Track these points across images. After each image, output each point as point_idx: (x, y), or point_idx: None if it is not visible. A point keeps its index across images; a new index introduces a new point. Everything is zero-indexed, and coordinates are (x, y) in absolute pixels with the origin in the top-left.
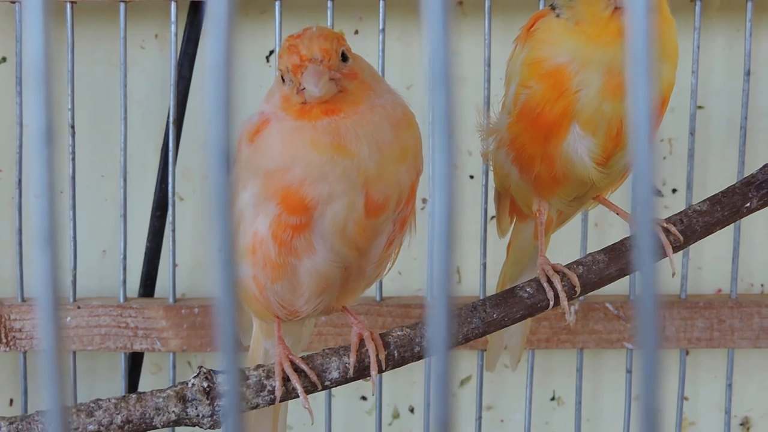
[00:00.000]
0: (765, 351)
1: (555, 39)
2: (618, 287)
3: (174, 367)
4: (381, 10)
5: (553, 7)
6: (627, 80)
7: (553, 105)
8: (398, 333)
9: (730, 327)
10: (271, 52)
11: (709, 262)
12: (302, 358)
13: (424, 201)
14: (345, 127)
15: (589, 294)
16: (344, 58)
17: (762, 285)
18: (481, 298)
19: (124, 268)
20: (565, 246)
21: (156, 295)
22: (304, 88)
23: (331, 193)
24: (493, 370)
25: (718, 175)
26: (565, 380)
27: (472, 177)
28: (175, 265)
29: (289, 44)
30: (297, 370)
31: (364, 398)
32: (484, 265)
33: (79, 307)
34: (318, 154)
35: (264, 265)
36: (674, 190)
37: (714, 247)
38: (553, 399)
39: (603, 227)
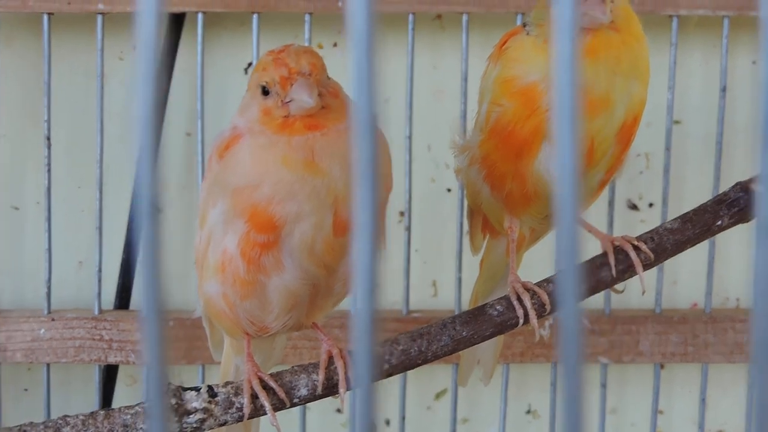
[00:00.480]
0: (739, 366)
1: (526, 57)
2: (592, 302)
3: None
4: None
5: (524, 25)
6: (553, 122)
7: (525, 123)
8: None
9: (704, 342)
10: (250, 65)
11: (685, 276)
12: (271, 375)
13: (402, 214)
14: (320, 144)
15: None
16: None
17: (737, 299)
18: (456, 312)
19: (99, 281)
20: (540, 262)
21: (132, 306)
22: (289, 101)
23: (299, 212)
24: (465, 385)
25: (695, 190)
26: (540, 394)
27: (449, 190)
28: None
29: (274, 58)
30: (266, 387)
31: (339, 411)
32: (460, 279)
33: (53, 320)
34: (288, 172)
35: (233, 282)
36: (651, 205)
37: (690, 261)
38: (528, 412)
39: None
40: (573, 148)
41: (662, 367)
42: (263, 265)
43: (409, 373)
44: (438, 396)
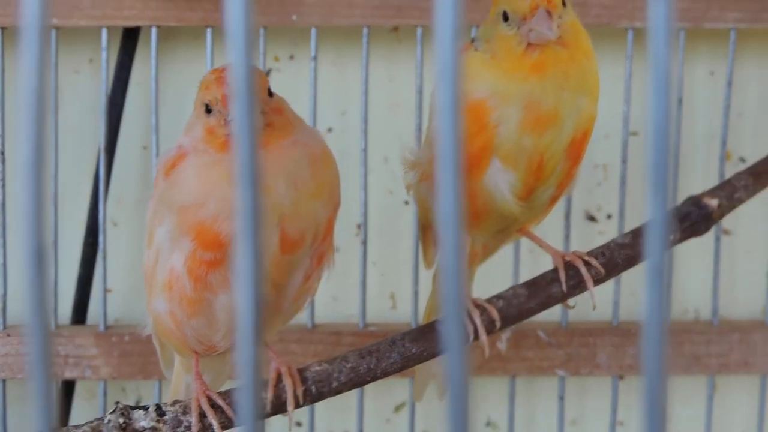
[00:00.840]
0: (697, 377)
1: (474, 73)
2: (550, 314)
3: (105, 395)
4: (313, 37)
5: (473, 41)
6: (436, 175)
7: (473, 139)
8: (316, 368)
9: None
10: None
11: (643, 287)
12: (220, 393)
13: (359, 227)
14: (264, 162)
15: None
16: (270, 93)
17: (696, 310)
18: (413, 325)
19: (55, 295)
20: (497, 273)
21: (89, 321)
22: (231, 120)
23: None
24: (420, 400)
25: None
26: (500, 406)
27: (406, 203)
28: (107, 291)
29: (216, 76)
30: (214, 405)
31: (299, 424)
32: (416, 293)
33: (9, 335)
34: (233, 190)
35: (180, 300)
36: (609, 216)
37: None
38: (488, 425)
39: (537, 254)
40: (456, 194)
41: (621, 378)
42: (210, 283)
43: (367, 386)
44: (397, 409)
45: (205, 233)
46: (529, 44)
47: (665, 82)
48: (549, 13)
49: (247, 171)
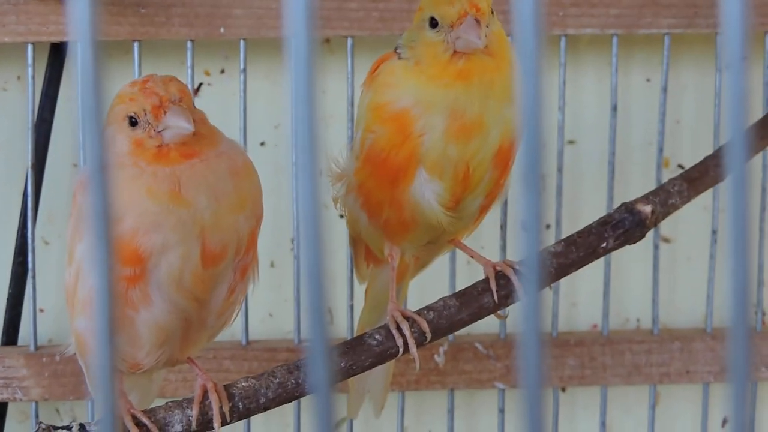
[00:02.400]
0: (640, 387)
1: (397, 82)
2: (488, 326)
3: (37, 415)
4: (241, 50)
5: (396, 49)
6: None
7: (399, 150)
8: (243, 384)
9: (601, 364)
10: None
11: (584, 297)
12: (145, 411)
13: (293, 241)
14: (187, 175)
15: (458, 333)
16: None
17: (638, 319)
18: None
19: None
20: (436, 282)
21: (21, 341)
22: (163, 130)
23: (165, 244)
24: (355, 417)
25: (593, 209)
26: (439, 420)
27: (342, 216)
28: (38, 311)
29: (141, 87)
30: (139, 423)
31: None
32: (351, 307)
33: None
34: (152, 203)
35: None
36: (548, 226)
37: (589, 282)
38: None
39: (474, 265)
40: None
41: (563, 390)
42: (130, 299)
43: (304, 400)
44: (339, 424)
45: (123, 249)
46: (455, 52)
47: (534, 83)
48: (477, 22)
49: (100, 205)
